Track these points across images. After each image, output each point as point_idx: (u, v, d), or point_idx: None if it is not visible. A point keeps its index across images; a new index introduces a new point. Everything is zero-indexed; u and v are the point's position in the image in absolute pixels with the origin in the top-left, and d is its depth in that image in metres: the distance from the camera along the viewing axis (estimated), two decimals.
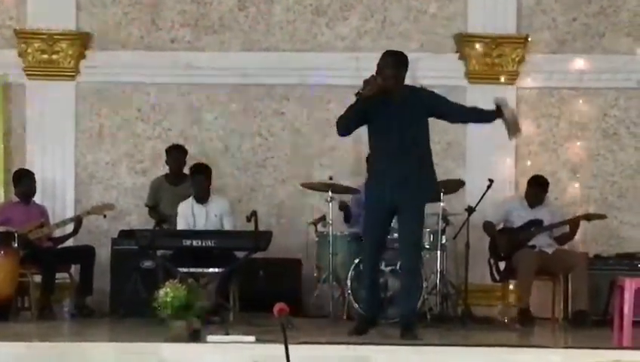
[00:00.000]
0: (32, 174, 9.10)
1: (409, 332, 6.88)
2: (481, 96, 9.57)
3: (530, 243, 8.78)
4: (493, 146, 9.51)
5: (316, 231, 8.99)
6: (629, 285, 6.59)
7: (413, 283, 7.19)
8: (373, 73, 6.99)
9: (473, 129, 9.48)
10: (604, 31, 9.76)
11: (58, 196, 9.65)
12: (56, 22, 9.69)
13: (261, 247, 8.08)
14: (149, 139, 9.83)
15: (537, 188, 8.99)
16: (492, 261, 8.88)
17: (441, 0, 9.77)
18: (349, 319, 8.42)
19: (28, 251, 8.57)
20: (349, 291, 8.38)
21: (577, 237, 9.10)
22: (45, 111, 9.69)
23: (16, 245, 8.45)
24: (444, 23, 9.79)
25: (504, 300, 9.10)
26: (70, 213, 9.38)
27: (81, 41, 9.72)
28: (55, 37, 9.66)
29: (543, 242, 8.82)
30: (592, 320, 8.40)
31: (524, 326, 8.36)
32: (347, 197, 9.07)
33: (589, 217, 9.09)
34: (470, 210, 8.60)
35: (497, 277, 8.88)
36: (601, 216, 9.14)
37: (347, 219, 9.01)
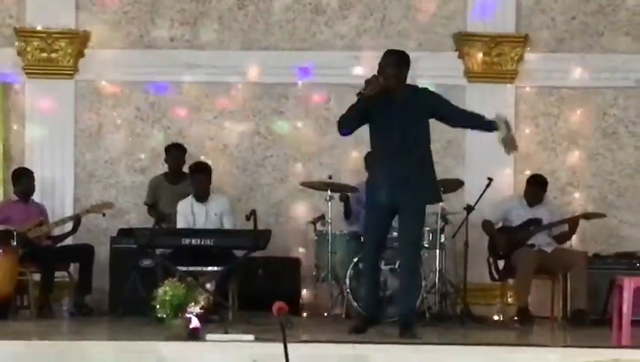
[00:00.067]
0: (31, 173, 9.09)
1: (408, 331, 6.89)
2: (480, 95, 9.62)
3: (529, 242, 8.79)
4: (492, 145, 9.47)
5: (315, 230, 9.00)
6: (628, 284, 6.60)
7: (413, 282, 7.19)
8: (375, 73, 6.98)
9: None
10: (603, 30, 9.76)
11: (57, 195, 9.64)
12: (56, 20, 9.68)
13: (260, 246, 8.08)
14: (147, 137, 9.82)
15: (536, 187, 8.99)
16: (491, 260, 8.89)
17: None
18: (347, 318, 8.43)
19: (27, 250, 8.57)
20: (348, 290, 8.38)
21: (576, 236, 9.09)
22: (44, 110, 9.69)
23: (15, 244, 8.45)
24: (443, 22, 9.79)
25: (503, 299, 9.10)
26: (69, 212, 9.38)
27: (80, 39, 9.71)
28: (54, 35, 9.65)
29: (542, 241, 8.83)
30: (591, 319, 8.41)
31: (523, 325, 8.37)
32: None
33: (588, 216, 9.09)
34: (469, 209, 8.60)
35: (496, 276, 8.89)
36: (600, 215, 9.14)
37: (347, 214, 9.01)
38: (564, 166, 9.75)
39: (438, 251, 8.50)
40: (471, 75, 9.67)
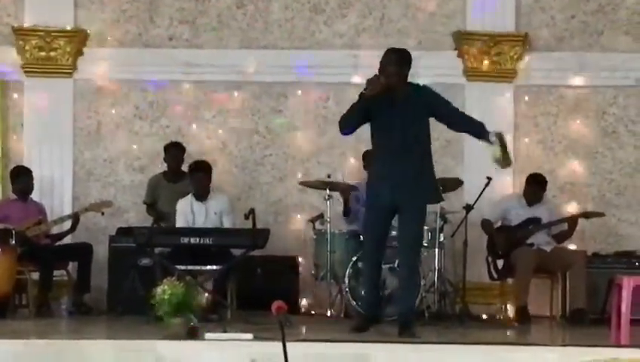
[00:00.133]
0: (30, 171, 9.09)
1: (407, 330, 6.88)
2: (479, 94, 9.62)
3: (529, 241, 8.78)
4: (491, 145, 9.50)
5: (314, 228, 8.99)
6: (627, 283, 6.59)
7: (412, 281, 7.18)
8: (376, 72, 6.97)
9: None
10: (603, 29, 9.76)
11: (56, 193, 9.64)
12: (54, 19, 9.68)
13: (259, 245, 8.07)
14: (146, 136, 9.82)
15: (535, 186, 8.99)
16: (490, 259, 8.88)
17: None
18: (346, 317, 8.43)
19: (26, 248, 8.56)
20: (347, 289, 8.37)
21: (575, 235, 9.09)
22: (43, 109, 9.68)
23: (13, 242, 8.44)
24: (442, 21, 9.79)
25: (502, 298, 9.10)
26: (68, 211, 9.37)
27: (79, 38, 9.71)
28: (53, 34, 9.65)
29: (541, 240, 8.83)
30: (590, 318, 8.40)
31: (521, 324, 8.37)
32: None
33: (587, 215, 9.09)
34: (468, 208, 8.60)
35: (495, 276, 8.88)
36: (600, 214, 9.14)
37: (346, 212, 9.01)
38: (564, 165, 9.74)
39: (437, 250, 8.49)
40: (470, 74, 9.66)
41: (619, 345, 6.43)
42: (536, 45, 9.73)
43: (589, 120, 9.76)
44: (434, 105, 7.07)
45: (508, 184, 9.53)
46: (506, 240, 8.80)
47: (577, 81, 9.70)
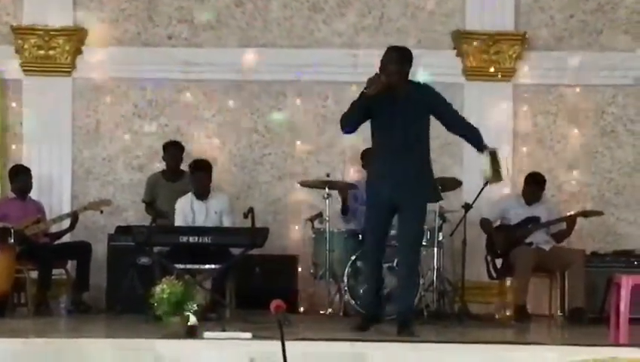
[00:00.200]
0: (29, 170, 9.08)
1: (406, 329, 6.88)
2: (478, 93, 9.62)
3: (527, 240, 8.79)
4: (490, 143, 9.48)
5: (313, 227, 8.99)
6: (626, 282, 6.59)
7: (412, 281, 7.17)
8: (377, 71, 6.96)
9: None
10: (602, 28, 9.76)
11: (55, 192, 9.64)
12: (53, 18, 9.67)
13: (258, 244, 8.06)
14: (145, 135, 9.82)
15: (534, 186, 8.99)
16: (489, 258, 8.88)
17: None
18: (345, 315, 8.43)
19: (24, 247, 8.56)
20: (346, 288, 8.38)
21: (574, 234, 9.09)
22: (42, 107, 9.68)
23: (12, 241, 8.43)
24: (441, 20, 9.79)
25: (501, 297, 9.09)
26: (67, 209, 9.36)
27: (78, 37, 9.70)
28: (52, 33, 9.64)
29: (539, 239, 8.83)
30: (589, 317, 8.40)
31: (520, 323, 8.36)
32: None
33: (586, 214, 9.09)
34: (467, 207, 8.59)
35: (494, 275, 8.88)
36: (598, 213, 9.14)
37: (344, 211, 9.01)
38: (562, 164, 9.74)
39: (436, 249, 8.49)
40: (469, 73, 9.66)
41: (618, 344, 6.43)
42: (535, 44, 9.73)
43: (588, 119, 9.77)
44: (434, 103, 7.06)
45: (507, 183, 9.53)
46: (504, 239, 8.80)
47: (576, 80, 9.70)
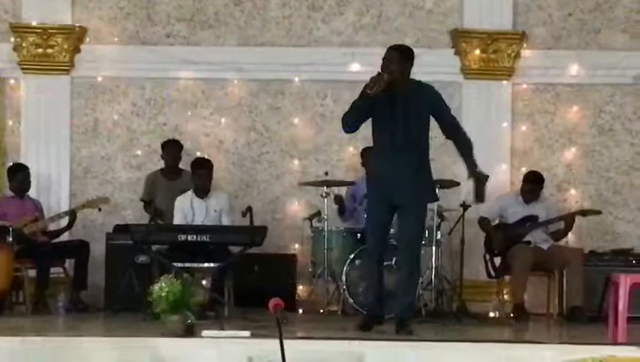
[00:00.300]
0: (27, 168, 9.08)
1: (404, 328, 6.88)
2: (476, 92, 9.63)
3: (526, 239, 8.79)
4: (488, 142, 9.51)
5: (311, 226, 9.00)
6: (624, 281, 6.59)
7: (411, 280, 7.15)
8: (378, 70, 6.95)
9: (469, 125, 9.46)
10: (600, 27, 9.76)
11: (53, 191, 9.63)
12: (51, 16, 9.67)
13: (256, 242, 8.07)
14: (144, 133, 9.81)
15: (533, 184, 8.99)
16: (487, 257, 8.89)
17: None
18: (344, 314, 8.43)
19: (22, 246, 8.56)
20: (344, 286, 8.38)
21: (572, 233, 9.09)
22: (40, 106, 9.67)
23: (10, 239, 8.43)
24: (439, 19, 9.79)
25: (499, 296, 9.10)
26: (65, 208, 9.35)
27: (76, 35, 9.70)
28: (50, 31, 9.64)
29: (538, 238, 8.83)
30: (587, 316, 8.40)
31: (518, 322, 8.37)
32: (343, 190, 9.08)
33: (584, 213, 9.09)
34: (465, 206, 8.60)
35: (493, 273, 8.89)
36: (597, 212, 9.15)
37: (341, 212, 9.02)
38: (561, 163, 9.75)
39: (434, 248, 8.49)
40: (467, 72, 9.66)
41: (616, 343, 6.43)
42: (533, 43, 9.73)
43: (586, 118, 9.77)
44: (434, 104, 7.04)
45: (505, 182, 9.54)
46: (503, 238, 8.80)
47: (574, 79, 9.70)
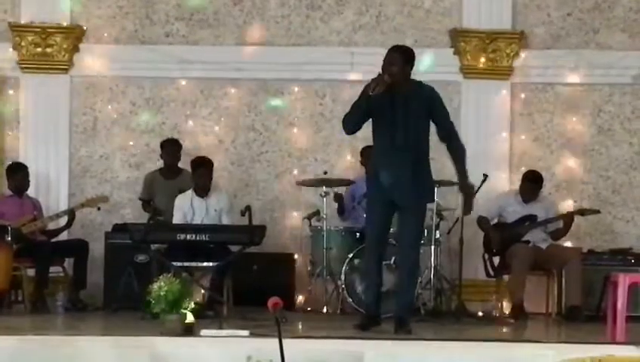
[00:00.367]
0: (26, 168, 9.08)
1: (403, 327, 6.88)
2: (475, 92, 9.63)
3: (525, 238, 8.79)
4: (487, 142, 9.53)
5: (310, 225, 9.00)
6: (623, 280, 6.60)
7: (411, 280, 7.16)
8: (377, 70, 6.94)
9: (468, 124, 9.50)
10: (599, 27, 9.76)
11: (52, 190, 9.63)
12: (51, 15, 9.66)
13: (255, 242, 8.07)
14: (143, 133, 9.81)
15: (531, 184, 8.99)
16: (486, 256, 8.89)
17: None
18: (342, 313, 8.43)
19: (21, 245, 8.56)
20: (343, 286, 8.38)
21: (571, 232, 9.09)
22: (39, 105, 9.67)
23: (9, 239, 8.43)
24: (438, 18, 9.79)
25: (498, 295, 9.11)
26: (64, 207, 9.34)
27: (75, 34, 9.70)
28: (49, 30, 9.63)
29: (537, 237, 8.83)
30: (586, 316, 8.41)
31: (517, 321, 8.37)
32: (343, 190, 9.08)
33: (583, 212, 9.10)
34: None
35: (491, 273, 8.89)
36: (595, 212, 9.15)
37: (341, 211, 9.02)
38: (560, 162, 9.75)
39: (433, 247, 8.50)
40: (466, 72, 9.67)
41: (614, 342, 6.43)
42: (532, 43, 9.73)
43: (585, 117, 9.78)
44: (433, 105, 7.03)
45: (504, 181, 9.54)
46: (502, 237, 8.80)
47: (573, 78, 9.71)
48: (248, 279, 8.79)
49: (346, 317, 8.10)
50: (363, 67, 9.20)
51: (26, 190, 9.04)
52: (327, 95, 9.76)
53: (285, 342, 4.95)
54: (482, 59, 9.62)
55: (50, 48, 9.65)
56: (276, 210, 9.73)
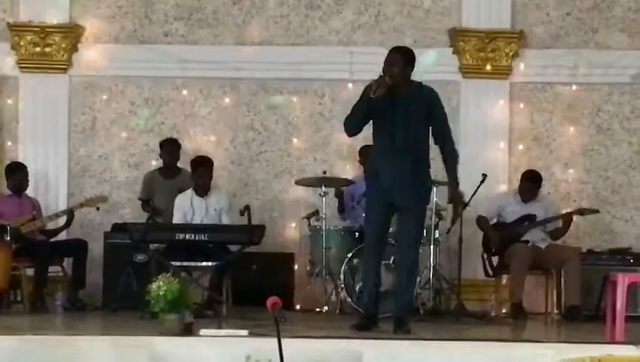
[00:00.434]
0: (25, 167, 9.07)
1: (402, 327, 6.88)
2: (475, 91, 9.63)
3: (524, 238, 8.79)
4: (486, 141, 9.53)
5: (309, 225, 8.99)
6: (622, 280, 6.59)
7: (410, 280, 7.16)
8: (377, 71, 6.94)
9: (468, 124, 9.51)
10: (598, 26, 9.76)
11: (51, 189, 9.63)
12: (49, 15, 9.66)
13: (254, 241, 8.07)
14: (142, 132, 9.81)
15: (531, 183, 8.99)
16: (485, 256, 8.89)
17: None
18: (342, 313, 8.43)
19: (20, 244, 8.55)
20: (342, 285, 8.38)
21: (570, 232, 9.09)
22: (38, 104, 9.67)
23: (8, 238, 8.43)
24: (437, 18, 9.79)
25: (497, 295, 9.11)
26: (63, 207, 9.35)
27: (75, 34, 9.69)
28: (48, 30, 9.63)
29: (536, 237, 8.83)
30: (585, 315, 8.41)
31: (517, 320, 8.37)
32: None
33: (582, 212, 9.10)
34: (464, 205, 8.59)
35: (491, 272, 8.89)
36: (595, 211, 9.15)
37: (341, 209, 9.01)
38: (559, 162, 9.75)
39: (432, 247, 8.50)
40: (466, 71, 9.66)
41: (614, 342, 6.43)
42: (531, 42, 9.73)
43: (584, 117, 9.77)
44: (432, 106, 7.02)
45: (503, 181, 9.54)
46: (501, 237, 8.80)
47: (572, 78, 9.71)
48: (247, 279, 8.79)
49: (345, 316, 8.09)
50: (362, 67, 9.21)
51: (25, 190, 9.04)
52: (326, 95, 9.76)
53: (284, 341, 4.95)
54: (481, 59, 9.61)
55: (49, 48, 9.65)
56: (275, 210, 9.73)
